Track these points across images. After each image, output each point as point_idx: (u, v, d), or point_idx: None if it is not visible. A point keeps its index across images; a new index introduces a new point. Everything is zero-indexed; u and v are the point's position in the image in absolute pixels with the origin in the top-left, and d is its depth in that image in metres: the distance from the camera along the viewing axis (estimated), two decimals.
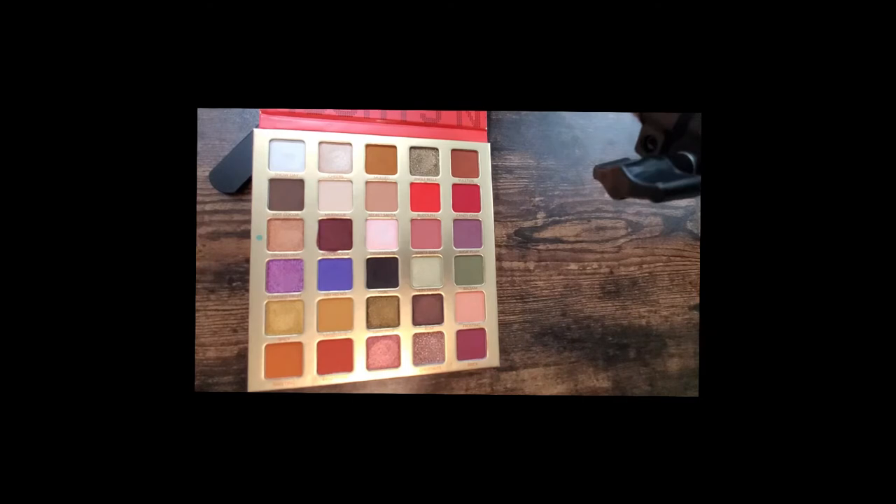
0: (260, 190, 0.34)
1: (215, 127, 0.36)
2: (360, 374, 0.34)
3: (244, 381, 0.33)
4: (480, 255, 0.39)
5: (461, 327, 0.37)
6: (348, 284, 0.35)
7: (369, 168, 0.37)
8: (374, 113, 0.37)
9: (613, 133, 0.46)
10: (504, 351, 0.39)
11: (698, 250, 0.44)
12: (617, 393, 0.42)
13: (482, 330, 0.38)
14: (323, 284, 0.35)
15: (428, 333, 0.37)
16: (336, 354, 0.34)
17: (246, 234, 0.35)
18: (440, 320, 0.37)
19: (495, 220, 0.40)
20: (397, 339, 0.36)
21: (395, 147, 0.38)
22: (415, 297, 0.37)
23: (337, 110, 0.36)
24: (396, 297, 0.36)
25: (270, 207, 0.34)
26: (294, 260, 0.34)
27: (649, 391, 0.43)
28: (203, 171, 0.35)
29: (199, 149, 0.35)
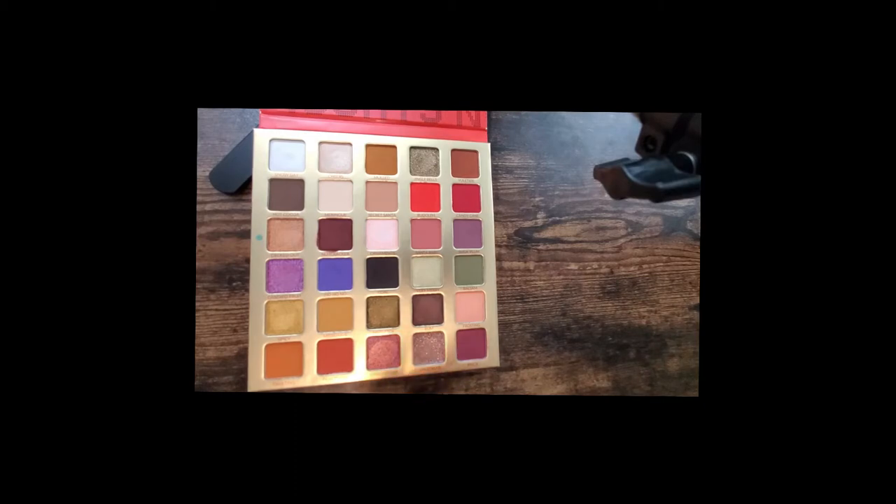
0: (260, 190, 0.34)
1: (215, 127, 0.36)
2: (360, 374, 0.34)
3: (244, 381, 0.33)
4: (480, 255, 0.39)
5: (461, 327, 0.37)
6: (348, 284, 0.35)
7: (369, 168, 0.37)
8: (374, 113, 0.37)
9: (613, 133, 0.46)
10: (504, 351, 0.39)
11: (698, 250, 0.44)
12: (617, 393, 0.42)
13: (482, 330, 0.38)
14: (323, 284, 0.35)
15: (428, 333, 0.37)
16: (336, 354, 0.34)
17: (246, 234, 0.35)
18: (440, 320, 0.37)
19: (495, 220, 0.40)
20: (397, 338, 0.36)
21: (395, 147, 0.38)
22: (415, 297, 0.37)
23: (337, 110, 0.36)
24: (396, 297, 0.36)
25: (270, 207, 0.34)
26: (294, 260, 0.34)
27: (649, 391, 0.43)
28: (203, 171, 0.35)
29: (199, 149, 0.35)
